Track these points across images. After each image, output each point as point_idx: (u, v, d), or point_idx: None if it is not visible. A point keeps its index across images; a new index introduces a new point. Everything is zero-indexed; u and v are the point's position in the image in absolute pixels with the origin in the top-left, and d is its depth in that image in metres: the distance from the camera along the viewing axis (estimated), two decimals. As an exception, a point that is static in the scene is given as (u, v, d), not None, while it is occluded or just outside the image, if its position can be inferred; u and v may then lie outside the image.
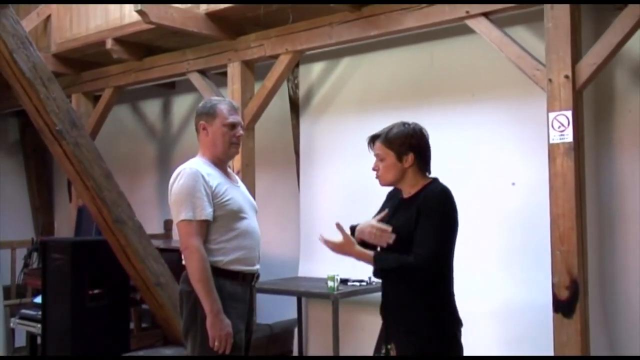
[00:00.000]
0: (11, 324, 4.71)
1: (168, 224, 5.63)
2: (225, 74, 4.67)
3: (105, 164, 3.99)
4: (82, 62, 5.39)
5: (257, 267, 2.74)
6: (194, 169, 2.61)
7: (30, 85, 3.63)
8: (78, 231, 5.19)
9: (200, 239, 2.54)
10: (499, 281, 3.85)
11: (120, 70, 5.27)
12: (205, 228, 2.57)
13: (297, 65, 4.75)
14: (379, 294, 4.12)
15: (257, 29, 4.45)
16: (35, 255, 5.11)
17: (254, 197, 4.46)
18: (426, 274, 2.22)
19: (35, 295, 4.99)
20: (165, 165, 6.11)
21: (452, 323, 2.32)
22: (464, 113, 4.06)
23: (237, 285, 2.63)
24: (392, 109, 4.38)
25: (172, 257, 4.13)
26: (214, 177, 2.64)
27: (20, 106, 5.63)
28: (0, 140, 7.21)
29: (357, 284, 4.17)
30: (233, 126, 2.72)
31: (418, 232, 2.22)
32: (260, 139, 4.61)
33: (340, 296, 3.95)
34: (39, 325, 4.30)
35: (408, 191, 2.37)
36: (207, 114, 2.72)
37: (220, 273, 2.58)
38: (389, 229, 2.29)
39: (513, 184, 3.85)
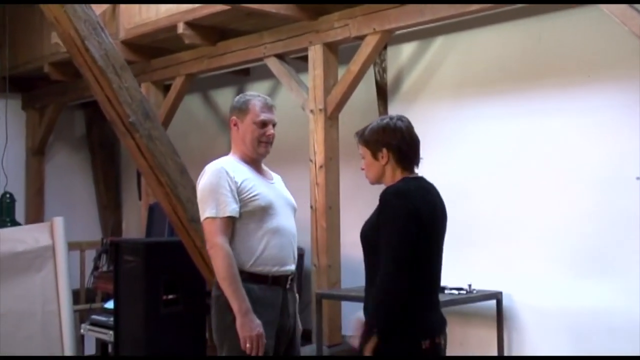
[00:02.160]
0: (81, 330, 4.69)
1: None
2: (305, 58, 4.49)
3: (180, 159, 3.87)
4: (152, 48, 5.29)
5: (291, 267, 2.70)
6: (218, 166, 2.64)
7: (102, 74, 3.58)
8: (149, 231, 5.14)
9: (225, 237, 2.55)
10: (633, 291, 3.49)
11: (192, 57, 5.15)
12: (230, 225, 2.57)
13: (384, 47, 4.52)
14: (481, 304, 3.95)
15: (340, 7, 4.24)
16: (105, 257, 5.09)
17: (337, 192, 4.37)
18: (394, 290, 2.15)
19: (105, 299, 4.99)
20: (238, 158, 5.92)
21: (415, 329, 2.21)
22: (578, 97, 3.84)
23: (267, 289, 2.61)
24: (494, 94, 4.17)
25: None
26: (241, 172, 2.64)
27: (87, 98, 5.61)
28: (67, 134, 7.18)
29: (456, 292, 3.88)
30: (264, 124, 2.70)
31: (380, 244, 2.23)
32: (345, 129, 4.37)
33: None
34: (111, 332, 4.27)
35: None
36: (240, 109, 2.72)
37: (247, 277, 2.56)
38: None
39: (638, 178, 3.57)
